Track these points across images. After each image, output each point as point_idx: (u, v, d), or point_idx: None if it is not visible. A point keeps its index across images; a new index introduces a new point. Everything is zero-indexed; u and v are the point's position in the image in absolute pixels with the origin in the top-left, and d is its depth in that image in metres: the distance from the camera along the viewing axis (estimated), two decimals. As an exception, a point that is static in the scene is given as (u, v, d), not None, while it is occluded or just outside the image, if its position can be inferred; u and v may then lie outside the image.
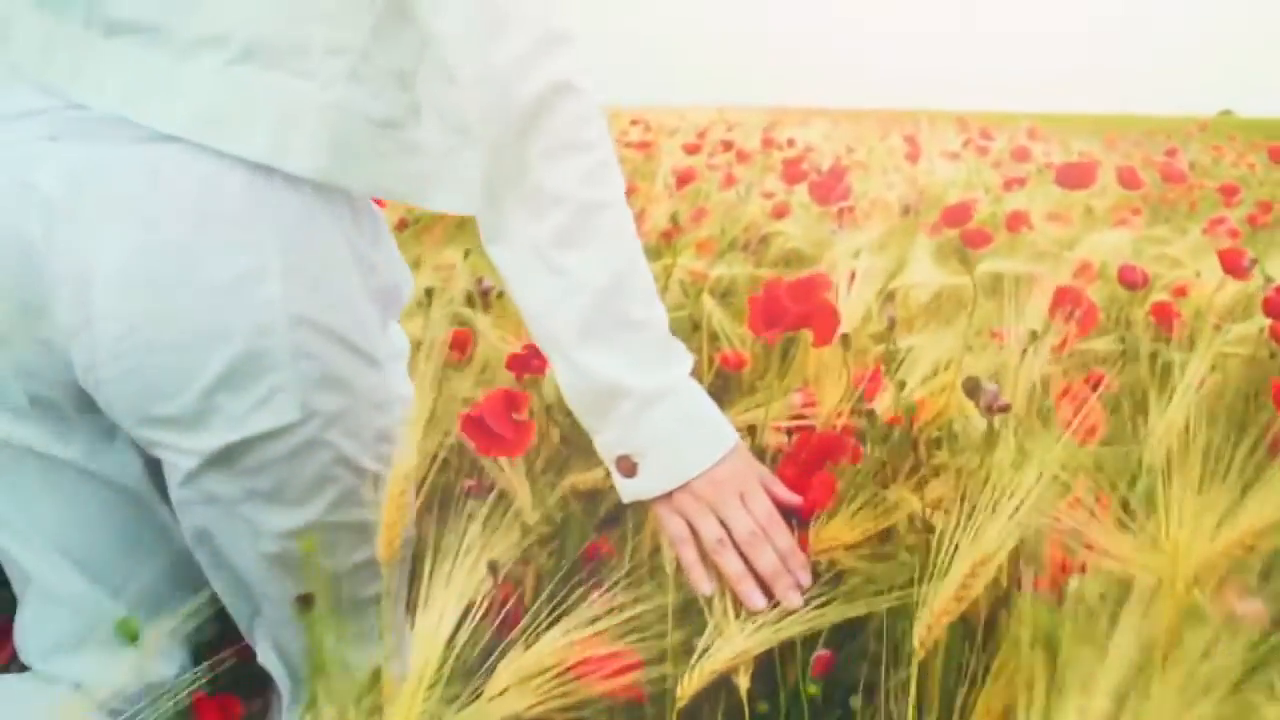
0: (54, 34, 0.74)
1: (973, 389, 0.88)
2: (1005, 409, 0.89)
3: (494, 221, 0.77)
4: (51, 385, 0.75)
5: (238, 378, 0.72)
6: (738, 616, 0.76)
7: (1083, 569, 0.72)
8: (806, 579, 0.77)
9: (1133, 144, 6.43)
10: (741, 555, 0.77)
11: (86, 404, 0.76)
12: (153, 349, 0.71)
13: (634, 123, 8.99)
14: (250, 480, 0.75)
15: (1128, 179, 2.47)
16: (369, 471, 0.79)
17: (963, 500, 0.69)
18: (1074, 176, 2.18)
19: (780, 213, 2.80)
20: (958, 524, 0.68)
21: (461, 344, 1.45)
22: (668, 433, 0.77)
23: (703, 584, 0.77)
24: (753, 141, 5.31)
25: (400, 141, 0.77)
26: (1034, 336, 0.93)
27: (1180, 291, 1.80)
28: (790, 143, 5.43)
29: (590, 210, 0.74)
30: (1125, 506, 0.69)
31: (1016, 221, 2.14)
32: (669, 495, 0.78)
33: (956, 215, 2.15)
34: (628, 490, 0.79)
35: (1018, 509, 0.68)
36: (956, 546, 0.68)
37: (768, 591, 0.77)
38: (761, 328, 0.96)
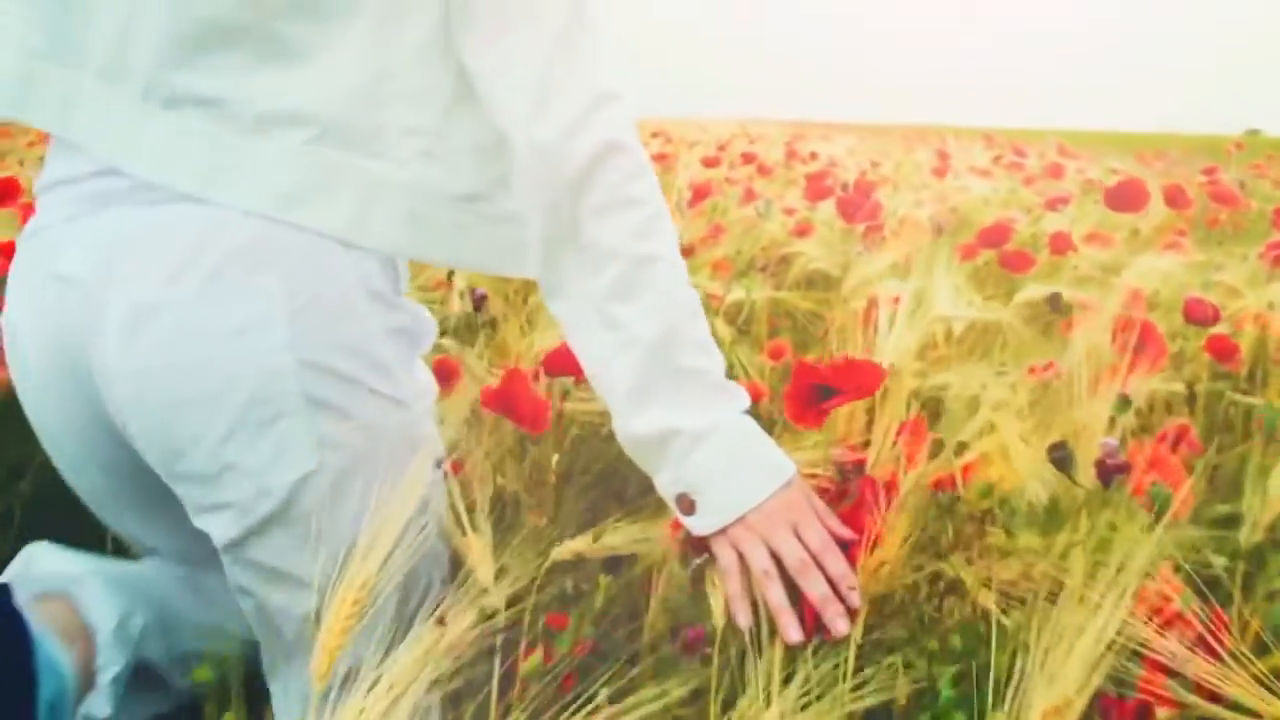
0: (111, 104, 0.74)
1: (1062, 458, 0.71)
2: (1124, 470, 0.74)
3: (553, 279, 0.79)
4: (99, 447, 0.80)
5: (248, 428, 0.73)
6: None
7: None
8: (856, 603, 0.77)
9: (1170, 162, 6.22)
10: (794, 585, 0.78)
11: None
12: (163, 405, 0.72)
13: (654, 135, 8.87)
14: (286, 536, 0.76)
15: (1175, 198, 2.30)
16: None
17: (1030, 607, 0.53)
18: (1124, 197, 2.01)
19: (803, 231, 2.64)
20: (1028, 658, 0.52)
21: (445, 375, 1.30)
22: (719, 469, 0.78)
23: (741, 616, 0.78)
24: (775, 154, 5.16)
25: (484, 214, 0.79)
26: (1124, 404, 0.75)
27: (1241, 324, 1.63)
28: (814, 156, 5.27)
29: (642, 264, 0.76)
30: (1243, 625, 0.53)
31: (1060, 244, 1.97)
32: (724, 529, 0.78)
33: (994, 236, 1.98)
34: (690, 527, 0.80)
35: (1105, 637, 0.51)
36: (1022, 679, 0.52)
37: (813, 626, 0.77)
38: (800, 415, 0.84)
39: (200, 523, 0.77)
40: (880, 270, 1.76)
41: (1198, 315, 1.18)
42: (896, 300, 1.87)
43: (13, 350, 0.81)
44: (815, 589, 0.76)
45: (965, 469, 0.84)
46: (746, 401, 0.81)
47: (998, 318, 1.49)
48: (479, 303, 1.47)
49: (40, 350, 0.78)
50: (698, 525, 0.79)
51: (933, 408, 1.43)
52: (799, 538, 0.78)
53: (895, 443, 0.87)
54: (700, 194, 2.78)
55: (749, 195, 2.97)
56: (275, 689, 0.86)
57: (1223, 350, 1.37)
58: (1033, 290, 1.57)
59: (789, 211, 2.77)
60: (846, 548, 0.79)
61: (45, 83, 0.77)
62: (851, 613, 0.77)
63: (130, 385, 0.73)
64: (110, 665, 0.82)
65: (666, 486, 0.80)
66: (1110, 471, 0.75)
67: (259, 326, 0.72)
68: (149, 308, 0.72)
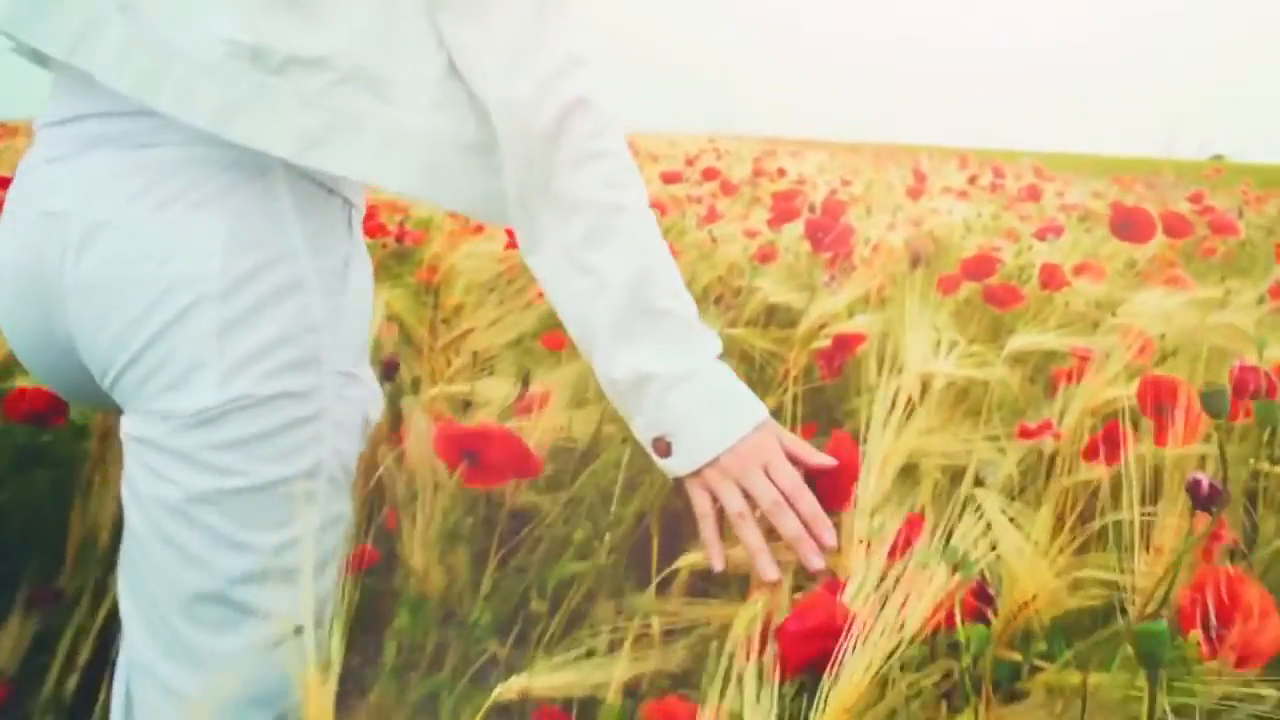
0: (134, 40, 0.75)
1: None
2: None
3: (529, 231, 0.81)
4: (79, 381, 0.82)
5: (162, 351, 0.75)
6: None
7: None
8: (832, 540, 0.80)
9: (1145, 186, 6.06)
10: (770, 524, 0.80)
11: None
12: (96, 317, 0.76)
13: (621, 148, 8.65)
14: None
15: (1175, 227, 2.08)
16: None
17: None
18: (1129, 226, 1.79)
19: (766, 255, 2.41)
20: None
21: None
22: (693, 412, 0.80)
23: (717, 560, 0.81)
24: (742, 170, 4.93)
25: (489, 165, 0.81)
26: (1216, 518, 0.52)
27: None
28: (781, 173, 5.03)
29: (612, 212, 0.79)
30: None
31: (1052, 277, 1.75)
32: (698, 472, 0.80)
33: (977, 268, 1.75)
34: (666, 469, 0.82)
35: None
36: None
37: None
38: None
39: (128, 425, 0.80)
40: (849, 305, 1.53)
41: (1249, 386, 0.93)
42: (861, 339, 1.65)
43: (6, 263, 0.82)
44: (788, 527, 0.79)
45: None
46: (718, 346, 0.83)
47: (985, 374, 1.26)
48: (390, 370, 1.26)
49: (15, 277, 0.80)
50: (673, 466, 0.81)
51: (911, 478, 1.20)
52: (771, 479, 0.80)
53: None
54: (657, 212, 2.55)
55: (710, 215, 2.73)
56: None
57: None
58: (1025, 340, 1.34)
59: (751, 234, 2.54)
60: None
61: (64, 12, 0.77)
62: (825, 549, 0.79)
63: (76, 300, 0.76)
64: None
65: (643, 430, 0.82)
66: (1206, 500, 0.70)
67: (194, 257, 0.75)
68: (100, 225, 0.75)
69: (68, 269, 0.76)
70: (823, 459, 0.83)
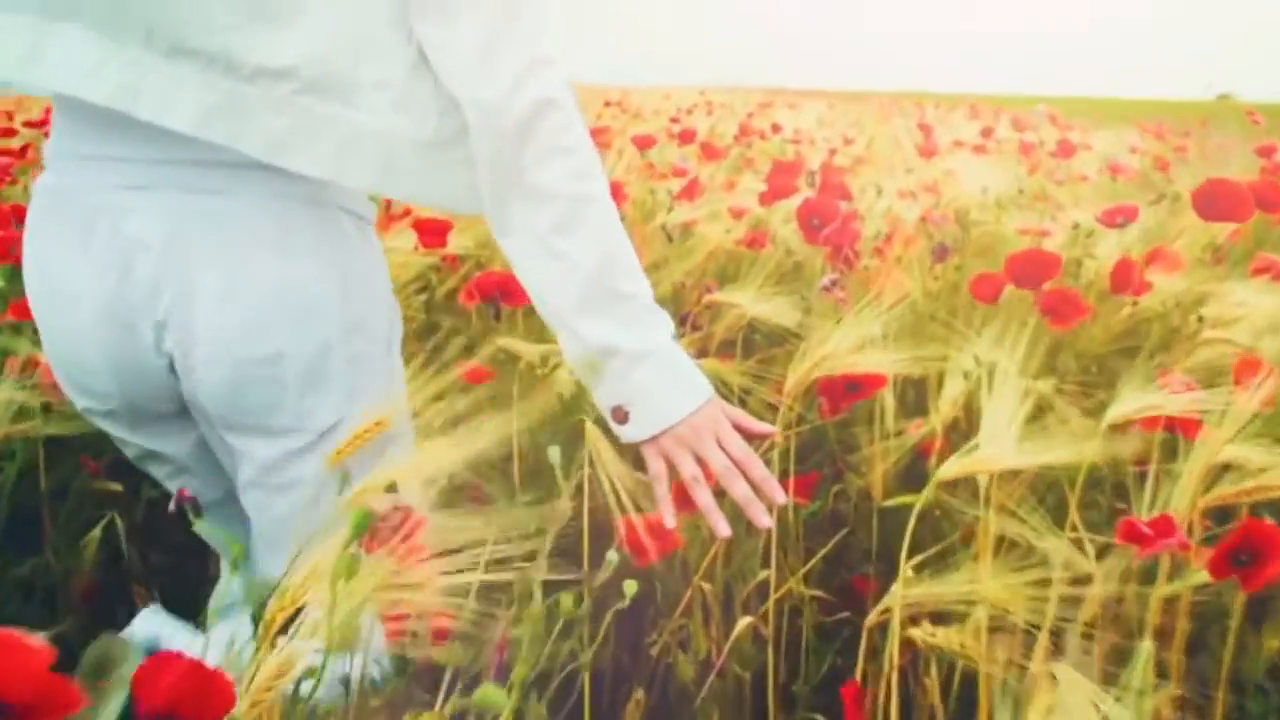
0: (107, 55, 0.80)
1: None
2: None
3: (500, 218, 0.88)
4: (141, 388, 0.91)
5: (302, 387, 0.88)
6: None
7: None
8: (781, 498, 0.90)
9: (1179, 135, 5.54)
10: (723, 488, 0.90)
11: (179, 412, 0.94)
12: (235, 364, 0.86)
13: (608, 104, 8.11)
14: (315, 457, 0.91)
15: (1270, 198, 1.61)
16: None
17: None
18: (1220, 201, 1.34)
19: (755, 241, 1.96)
20: None
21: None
22: (652, 386, 0.88)
23: (669, 518, 0.90)
24: (730, 128, 4.44)
25: (448, 159, 0.87)
26: None
27: None
28: (775, 128, 4.53)
29: (579, 202, 0.86)
30: None
31: (1127, 279, 1.30)
32: (655, 439, 0.89)
33: (1031, 269, 1.31)
34: (621, 435, 0.90)
35: None
36: None
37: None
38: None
39: (238, 444, 0.92)
40: (857, 337, 1.09)
41: None
42: (881, 382, 1.21)
43: (54, 286, 0.89)
44: (738, 490, 0.89)
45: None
46: (672, 326, 0.92)
47: (1073, 454, 0.83)
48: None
49: (97, 296, 0.86)
50: (630, 433, 0.90)
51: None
52: (722, 448, 0.89)
53: None
54: (619, 193, 2.09)
55: (690, 190, 2.27)
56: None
57: None
58: (1137, 402, 0.90)
59: (736, 213, 2.08)
60: None
61: (11, 32, 0.82)
62: (771, 508, 0.90)
63: (210, 348, 0.86)
64: None
65: (604, 399, 0.90)
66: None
67: (319, 308, 0.87)
68: (234, 285, 0.84)
69: (186, 310, 0.85)
70: (764, 427, 0.93)
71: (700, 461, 0.89)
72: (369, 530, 0.55)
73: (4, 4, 0.82)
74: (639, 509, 0.95)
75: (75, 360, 0.91)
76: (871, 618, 0.86)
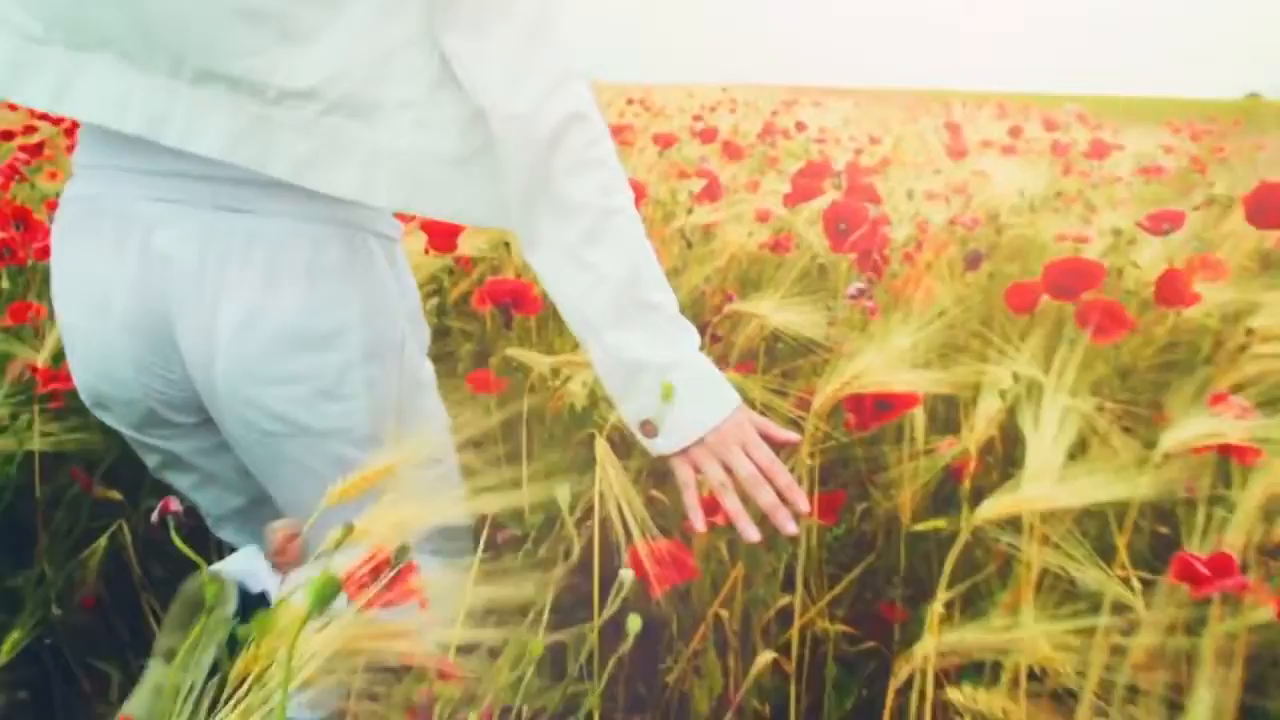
0: (134, 85, 0.82)
1: None
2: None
3: (529, 231, 0.88)
4: (167, 399, 0.94)
5: (321, 400, 0.91)
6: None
7: None
8: (805, 507, 0.90)
9: (1217, 136, 5.41)
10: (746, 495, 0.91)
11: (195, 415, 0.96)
12: (257, 383, 0.88)
13: (630, 101, 8.04)
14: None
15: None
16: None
17: None
18: (1275, 207, 1.26)
19: (779, 245, 1.89)
20: None
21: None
22: (681, 399, 0.88)
23: (699, 522, 0.91)
24: (753, 126, 4.36)
25: (471, 174, 0.87)
26: None
27: None
28: (800, 127, 4.45)
29: (607, 214, 0.86)
30: None
31: (1173, 290, 1.23)
32: (685, 450, 0.90)
33: (1070, 278, 1.23)
34: (651, 448, 0.91)
35: None
36: None
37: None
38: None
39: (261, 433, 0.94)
40: (886, 353, 1.02)
41: None
42: (914, 401, 1.14)
43: (83, 296, 0.90)
44: (765, 498, 0.89)
45: None
46: (697, 337, 0.92)
47: (1123, 489, 0.75)
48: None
49: (128, 305, 0.88)
50: (661, 446, 0.90)
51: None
52: (749, 456, 0.90)
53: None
54: (640, 192, 2.03)
55: (710, 191, 2.20)
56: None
57: None
58: (1192, 429, 0.82)
59: (761, 217, 2.01)
60: None
61: (41, 65, 0.83)
62: (797, 516, 0.90)
63: (230, 368, 0.87)
64: None
65: (632, 413, 0.90)
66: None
67: (341, 334, 0.89)
68: (256, 311, 0.86)
69: (208, 331, 0.87)
70: (789, 435, 0.93)
71: (726, 468, 0.90)
72: (333, 598, 0.50)
73: (34, 36, 0.83)
74: (649, 535, 0.91)
75: (103, 369, 0.92)
76: (900, 670, 0.79)
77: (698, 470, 0.91)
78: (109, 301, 0.88)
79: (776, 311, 1.23)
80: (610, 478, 0.94)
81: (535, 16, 0.83)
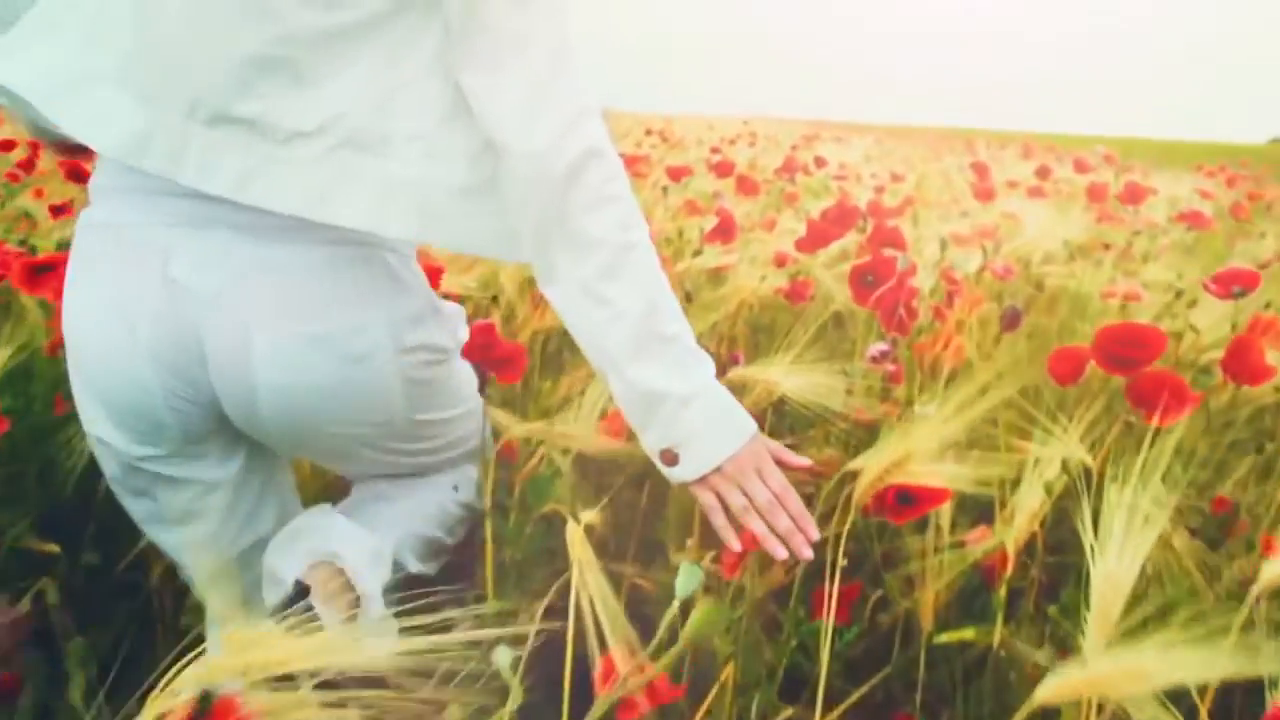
0: (154, 124, 0.85)
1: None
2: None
3: (546, 266, 0.89)
4: (195, 420, 0.95)
5: (363, 417, 0.98)
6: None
7: None
8: (815, 534, 0.91)
9: (1250, 180, 5.23)
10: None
11: (211, 434, 0.97)
12: (308, 432, 0.95)
13: (649, 132, 7.93)
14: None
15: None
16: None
17: None
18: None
19: (796, 294, 1.73)
20: None
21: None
22: (700, 428, 0.90)
23: (733, 542, 0.92)
24: (772, 161, 4.21)
25: (482, 206, 0.89)
26: None
27: None
28: (820, 163, 4.30)
29: (624, 250, 0.88)
30: None
31: (1246, 363, 1.06)
32: (704, 478, 0.92)
33: (1124, 349, 1.07)
34: (671, 476, 0.93)
35: None
36: None
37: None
38: None
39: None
40: (911, 435, 0.86)
41: None
42: (945, 496, 0.96)
43: (105, 321, 0.91)
44: (781, 524, 0.91)
45: None
46: (713, 366, 0.93)
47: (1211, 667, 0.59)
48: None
49: (154, 334, 0.89)
50: (680, 474, 0.92)
51: None
52: (763, 482, 0.91)
53: None
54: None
55: (724, 229, 2.04)
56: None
57: None
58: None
59: (779, 260, 1.86)
60: None
61: (89, 98, 0.86)
62: (811, 542, 0.91)
63: (277, 396, 0.91)
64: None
65: (653, 443, 0.92)
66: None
67: (371, 355, 0.93)
68: (291, 338, 0.89)
69: (242, 365, 0.89)
70: (801, 460, 0.95)
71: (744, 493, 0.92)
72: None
73: (84, 66, 0.87)
74: (623, 639, 0.78)
75: (119, 401, 0.93)
76: None
77: (718, 495, 0.92)
78: (134, 330, 0.89)
79: (787, 376, 1.08)
80: (588, 583, 0.80)
81: (551, 53, 0.85)
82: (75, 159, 1.63)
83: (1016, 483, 1.01)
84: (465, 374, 1.09)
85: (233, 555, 1.04)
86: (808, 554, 0.90)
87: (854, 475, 0.91)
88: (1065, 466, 0.93)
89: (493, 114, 0.85)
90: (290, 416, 0.93)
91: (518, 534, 1.09)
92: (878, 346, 1.17)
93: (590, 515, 0.93)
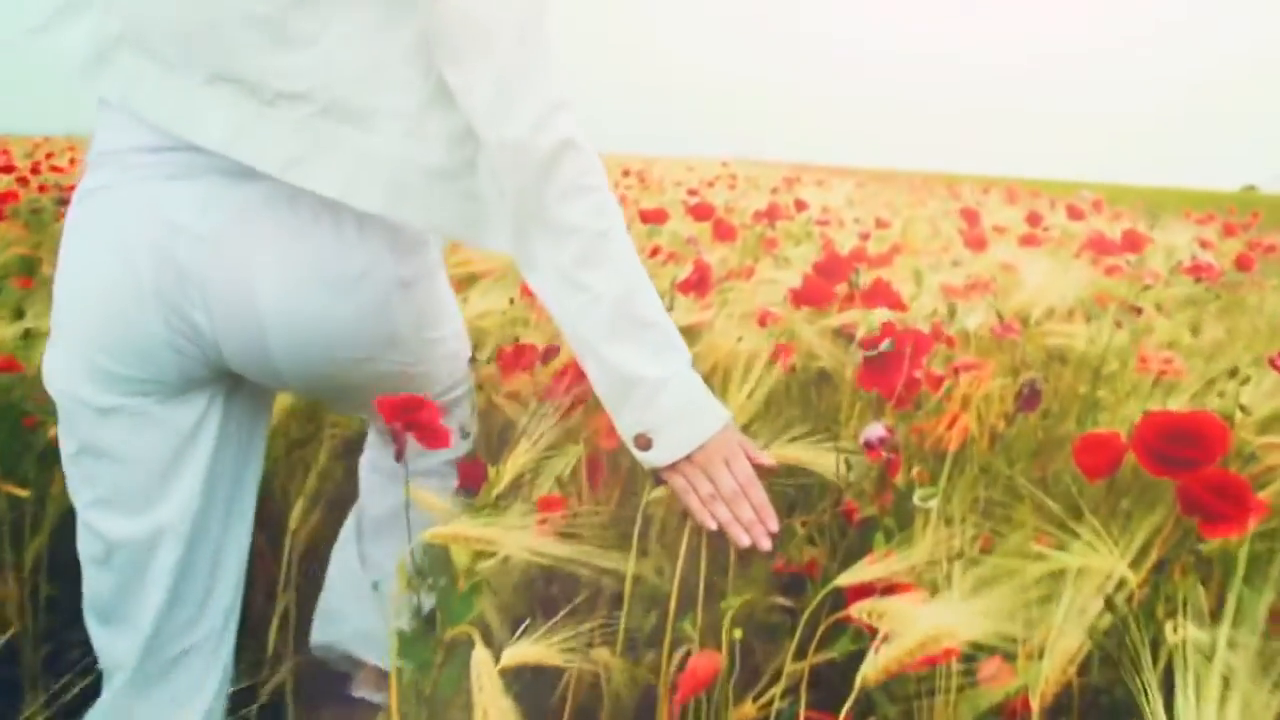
0: (164, 82, 0.89)
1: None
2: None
3: (525, 253, 0.93)
4: (192, 365, 0.95)
5: (379, 362, 1.01)
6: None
7: None
8: (775, 526, 0.95)
9: (1253, 230, 5.10)
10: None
11: (208, 379, 0.99)
12: (317, 359, 0.96)
13: (626, 173, 7.79)
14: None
15: None
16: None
17: None
18: None
19: (783, 354, 1.53)
20: None
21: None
22: (673, 414, 0.93)
23: (708, 522, 0.94)
24: (751, 204, 4.04)
25: (456, 190, 0.92)
26: None
27: None
28: (800, 206, 4.14)
29: (600, 237, 0.90)
30: None
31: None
32: (674, 464, 0.94)
33: (1175, 446, 0.88)
34: (644, 460, 0.95)
35: None
36: None
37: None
38: None
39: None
40: (910, 560, 0.67)
41: None
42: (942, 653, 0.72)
43: (114, 261, 0.91)
44: (745, 514, 0.94)
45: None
46: (689, 355, 0.96)
47: None
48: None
49: (157, 273, 0.90)
50: (653, 459, 0.95)
51: None
52: (730, 472, 0.94)
53: None
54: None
55: (699, 281, 1.84)
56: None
57: None
58: None
59: (761, 318, 1.66)
60: None
61: (117, 63, 0.90)
62: (771, 535, 0.94)
63: (289, 341, 0.93)
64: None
65: (627, 427, 0.94)
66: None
67: (370, 271, 0.94)
68: (299, 285, 0.91)
69: (248, 305, 0.91)
70: (767, 458, 0.98)
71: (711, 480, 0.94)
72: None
73: (113, 32, 0.90)
74: None
75: (119, 345, 0.92)
76: None
77: (686, 481, 0.94)
78: (136, 270, 0.90)
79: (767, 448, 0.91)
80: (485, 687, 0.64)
81: (527, 46, 0.87)
82: None
83: (1044, 602, 0.81)
84: (449, 292, 1.13)
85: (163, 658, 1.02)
86: (766, 544, 0.93)
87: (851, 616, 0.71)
88: (1110, 605, 0.74)
89: (467, 105, 0.88)
90: (301, 349, 0.94)
91: (426, 661, 0.88)
92: (875, 431, 0.98)
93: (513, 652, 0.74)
